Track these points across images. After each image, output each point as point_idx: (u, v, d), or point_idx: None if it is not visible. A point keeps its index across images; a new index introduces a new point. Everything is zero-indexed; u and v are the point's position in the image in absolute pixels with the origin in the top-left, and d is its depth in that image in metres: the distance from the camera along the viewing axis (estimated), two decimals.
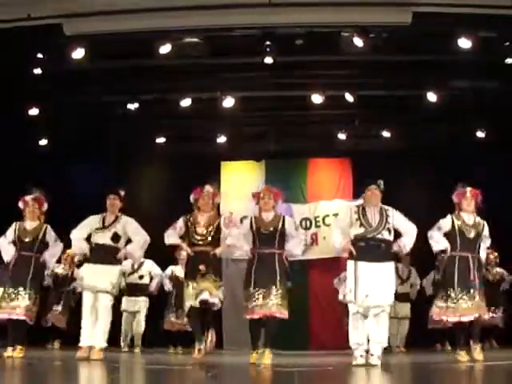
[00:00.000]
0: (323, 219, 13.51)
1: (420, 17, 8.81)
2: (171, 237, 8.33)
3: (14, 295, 8.47)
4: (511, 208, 11.88)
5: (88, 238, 8.57)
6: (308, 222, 13.44)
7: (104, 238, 8.45)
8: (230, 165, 14.06)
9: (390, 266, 7.73)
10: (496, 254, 11.74)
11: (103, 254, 8.39)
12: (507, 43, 9.61)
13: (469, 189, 8.32)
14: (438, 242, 8.27)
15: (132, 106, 11.78)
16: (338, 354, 10.30)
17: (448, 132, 12.66)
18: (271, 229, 8.24)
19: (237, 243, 8.31)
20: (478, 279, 8.04)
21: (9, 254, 8.71)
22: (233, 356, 11.05)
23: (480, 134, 12.48)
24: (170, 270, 11.71)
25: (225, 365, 8.30)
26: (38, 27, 9.01)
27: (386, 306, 7.64)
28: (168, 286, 11.70)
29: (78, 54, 9.76)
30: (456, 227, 8.20)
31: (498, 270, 11.91)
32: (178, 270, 11.37)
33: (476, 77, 11.08)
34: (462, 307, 7.94)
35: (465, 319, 7.95)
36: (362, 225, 7.73)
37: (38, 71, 10.17)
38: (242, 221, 13.38)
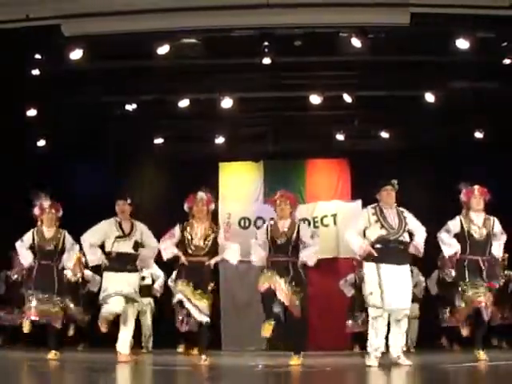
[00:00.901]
0: (321, 220, 13.52)
1: (418, 17, 8.81)
2: (169, 249, 8.29)
3: (40, 300, 8.53)
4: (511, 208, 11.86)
5: (101, 245, 8.56)
6: (306, 223, 13.41)
7: (126, 247, 8.45)
8: (229, 166, 14.06)
9: (407, 268, 7.71)
10: (505, 255, 11.61)
11: (125, 263, 8.41)
12: (505, 43, 9.61)
13: (477, 187, 8.29)
14: (449, 245, 8.21)
15: (130, 107, 11.78)
16: (337, 355, 10.31)
17: (447, 132, 12.66)
18: (285, 239, 8.22)
19: (233, 259, 8.37)
20: (490, 283, 8.04)
21: (27, 259, 8.74)
22: (232, 357, 11.04)
23: (479, 135, 12.48)
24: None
25: (223, 366, 8.30)
26: (36, 28, 9.00)
27: (407, 309, 7.61)
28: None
29: (77, 54, 9.75)
30: (465, 229, 8.16)
31: (507, 272, 11.87)
32: None
33: (474, 77, 11.08)
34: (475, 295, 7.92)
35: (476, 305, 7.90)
36: (383, 227, 7.68)
37: (36, 72, 10.17)
38: (240, 222, 13.53)
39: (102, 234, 8.52)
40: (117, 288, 8.31)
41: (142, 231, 8.58)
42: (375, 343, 7.58)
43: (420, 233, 7.82)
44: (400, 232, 7.67)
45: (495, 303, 10.61)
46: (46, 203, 8.79)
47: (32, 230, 8.80)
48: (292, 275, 8.09)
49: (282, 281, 8.01)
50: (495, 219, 8.25)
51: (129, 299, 8.36)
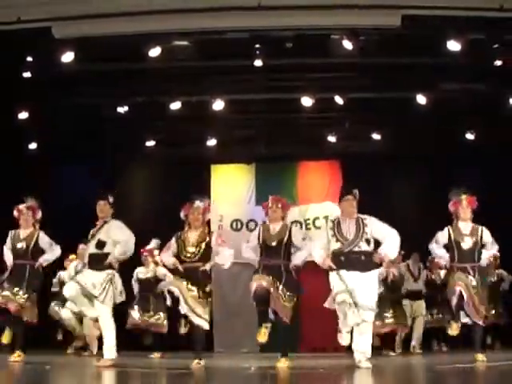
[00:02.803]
0: (313, 221, 13.53)
1: (409, 19, 8.83)
2: (167, 260, 8.26)
3: (11, 295, 8.50)
4: (505, 209, 11.90)
5: None
6: (298, 225, 13.42)
7: (91, 248, 8.31)
8: (221, 168, 14.06)
9: (371, 274, 7.63)
10: (497, 254, 11.63)
11: (93, 263, 8.23)
12: (496, 45, 9.63)
13: (464, 197, 8.32)
14: (440, 257, 8.40)
15: (122, 110, 11.76)
16: (329, 357, 10.31)
17: (438, 134, 12.67)
18: (277, 242, 8.25)
19: (225, 263, 8.29)
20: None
21: (9, 261, 8.80)
22: (224, 359, 11.03)
23: (470, 136, 12.51)
24: (135, 273, 11.60)
25: (216, 368, 8.27)
26: (27, 30, 8.99)
27: (368, 310, 7.50)
28: (135, 289, 11.56)
29: (68, 56, 9.75)
30: (452, 239, 8.22)
31: (497, 271, 11.93)
32: (140, 271, 11.40)
33: (466, 79, 11.11)
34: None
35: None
36: (338, 240, 7.67)
37: (27, 74, 10.15)
38: (232, 224, 13.53)
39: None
40: (77, 277, 8.25)
41: (110, 229, 8.30)
42: (344, 325, 7.62)
43: (389, 239, 7.71)
44: (355, 242, 7.61)
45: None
46: (23, 205, 8.80)
47: (10, 232, 8.86)
48: (285, 279, 8.11)
49: (275, 284, 8.03)
50: (484, 229, 8.29)
51: (86, 293, 8.07)
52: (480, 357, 7.87)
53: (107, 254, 8.23)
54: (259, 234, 8.38)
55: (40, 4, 8.76)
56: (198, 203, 8.26)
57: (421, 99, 11.37)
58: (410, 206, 13.07)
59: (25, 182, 11.63)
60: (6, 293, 8.52)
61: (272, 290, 7.96)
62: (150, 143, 13.26)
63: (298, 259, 8.28)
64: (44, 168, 12.95)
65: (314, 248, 7.94)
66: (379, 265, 7.93)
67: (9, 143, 12.08)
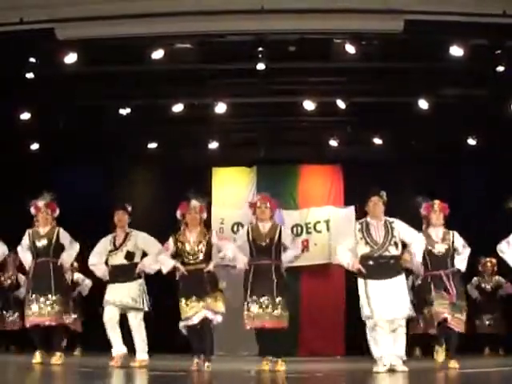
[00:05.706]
0: (314, 225, 13.51)
1: (412, 24, 8.83)
2: (167, 262, 8.23)
3: (38, 302, 8.37)
4: (505, 214, 11.86)
5: (106, 261, 8.71)
6: (299, 229, 13.43)
7: (118, 259, 8.56)
8: (222, 171, 14.06)
9: (400, 279, 7.60)
10: (494, 261, 11.61)
11: (121, 274, 8.51)
12: (499, 51, 9.62)
13: (437, 202, 8.32)
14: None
15: (124, 112, 11.75)
16: (328, 361, 10.30)
17: (440, 139, 12.67)
18: (267, 241, 8.17)
19: (230, 257, 8.25)
20: (457, 294, 7.98)
21: (27, 261, 8.70)
22: (223, 362, 11.01)
23: (472, 142, 12.50)
24: None
25: (215, 371, 8.26)
26: (30, 31, 9.00)
27: (401, 319, 7.49)
28: None
29: (71, 58, 9.76)
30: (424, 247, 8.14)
31: (496, 277, 11.92)
32: None
33: (468, 84, 11.10)
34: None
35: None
36: (367, 243, 7.60)
37: (30, 75, 10.15)
38: (233, 227, 13.51)
39: (102, 252, 8.69)
40: (110, 297, 8.47)
41: (138, 239, 8.62)
42: (377, 353, 7.51)
43: (416, 242, 7.71)
44: (385, 246, 7.57)
45: (484, 311, 10.79)
46: (41, 203, 8.75)
47: (27, 230, 8.72)
48: (276, 282, 8.04)
49: (264, 307, 7.98)
50: (455, 233, 8.25)
51: (125, 308, 8.46)
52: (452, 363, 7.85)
53: (136, 264, 8.53)
54: (248, 234, 8.30)
55: (43, 5, 8.79)
56: (194, 203, 8.22)
57: (423, 104, 11.36)
58: (412, 211, 13.04)
59: (25, 183, 11.64)
60: (35, 307, 8.34)
61: (268, 316, 7.94)
62: (152, 145, 13.26)
63: (288, 260, 8.26)
64: (45, 169, 12.94)
65: (340, 250, 7.85)
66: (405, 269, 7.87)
67: (10, 143, 12.09)
